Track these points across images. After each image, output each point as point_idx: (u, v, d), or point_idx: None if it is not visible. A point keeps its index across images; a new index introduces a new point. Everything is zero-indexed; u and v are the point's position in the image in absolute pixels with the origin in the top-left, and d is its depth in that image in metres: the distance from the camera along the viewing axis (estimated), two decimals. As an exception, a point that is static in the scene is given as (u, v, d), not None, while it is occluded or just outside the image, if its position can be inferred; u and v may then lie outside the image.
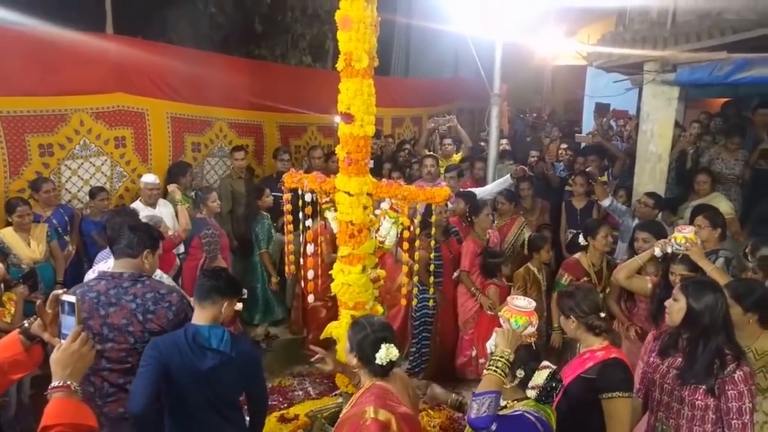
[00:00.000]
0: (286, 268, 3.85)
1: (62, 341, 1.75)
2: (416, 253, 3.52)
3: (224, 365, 2.50)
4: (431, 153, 6.68)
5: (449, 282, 4.93)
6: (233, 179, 5.99)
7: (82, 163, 5.21)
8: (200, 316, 2.55)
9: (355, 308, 3.33)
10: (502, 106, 7.79)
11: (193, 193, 5.65)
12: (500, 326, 2.35)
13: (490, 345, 2.31)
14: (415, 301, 4.51)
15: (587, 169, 6.17)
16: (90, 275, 3.22)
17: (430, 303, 4.62)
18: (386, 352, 2.30)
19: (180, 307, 2.68)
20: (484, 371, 2.22)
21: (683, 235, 3.20)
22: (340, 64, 3.00)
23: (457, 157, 6.90)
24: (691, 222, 4.04)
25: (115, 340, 2.57)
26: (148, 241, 2.78)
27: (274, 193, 5.34)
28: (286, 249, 3.84)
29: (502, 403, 2.28)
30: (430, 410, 4.46)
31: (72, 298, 1.79)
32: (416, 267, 3.59)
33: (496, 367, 2.17)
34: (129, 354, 2.58)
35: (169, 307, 2.65)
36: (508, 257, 5.21)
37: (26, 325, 1.85)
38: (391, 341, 2.35)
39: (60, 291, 1.85)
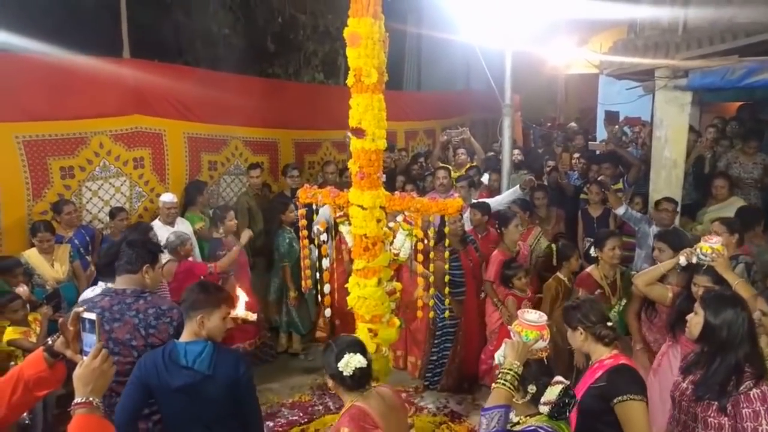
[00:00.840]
0: (303, 282, 3.88)
1: (84, 358, 1.80)
2: (431, 265, 3.54)
3: (201, 383, 2.45)
4: (444, 165, 6.70)
5: (472, 291, 4.91)
6: (249, 196, 6.07)
7: (102, 185, 5.33)
8: (185, 332, 2.57)
9: (372, 321, 3.35)
10: (515, 117, 7.81)
11: (210, 212, 5.75)
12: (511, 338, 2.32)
13: (498, 356, 2.28)
14: (432, 314, 4.50)
15: (600, 178, 6.13)
16: (89, 293, 3.29)
17: (446, 314, 4.61)
18: (347, 361, 2.27)
19: (181, 323, 2.70)
20: (493, 385, 2.18)
21: (710, 245, 3.07)
22: (350, 80, 3.06)
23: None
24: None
25: (121, 354, 2.64)
26: (146, 256, 2.86)
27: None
28: (302, 263, 3.87)
29: (515, 419, 2.25)
30: (450, 423, 4.44)
31: (93, 316, 1.83)
32: (431, 279, 3.61)
33: (505, 380, 2.12)
34: (133, 366, 2.63)
35: (170, 323, 2.72)
36: (527, 268, 5.16)
37: (50, 342, 1.89)
38: (357, 352, 2.31)
39: (81, 309, 1.89)
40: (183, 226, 5.20)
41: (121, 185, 5.48)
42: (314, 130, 7.48)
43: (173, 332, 2.70)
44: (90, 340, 1.83)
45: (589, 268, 4.29)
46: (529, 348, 2.22)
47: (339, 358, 2.31)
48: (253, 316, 3.66)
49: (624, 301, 4.11)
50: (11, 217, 4.75)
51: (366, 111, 3.04)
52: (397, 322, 3.54)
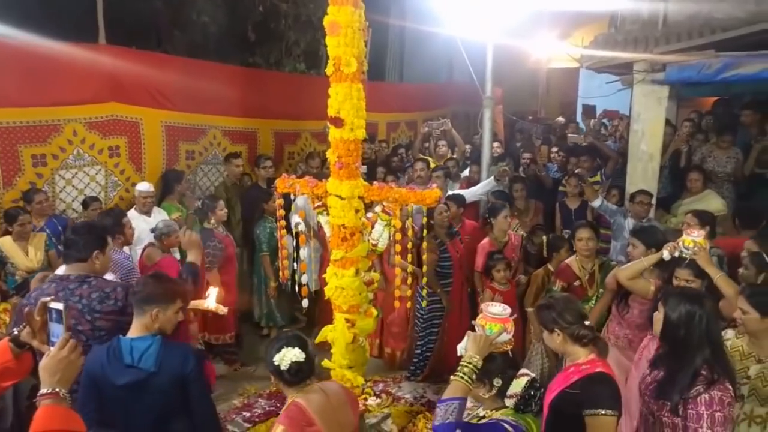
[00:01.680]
0: (280, 273, 3.86)
1: (51, 348, 1.76)
2: (423, 256, 3.54)
3: (146, 381, 2.41)
4: (424, 157, 6.71)
5: (459, 281, 4.93)
6: (227, 186, 6.00)
7: (76, 173, 5.22)
8: (133, 328, 2.51)
9: (349, 311, 3.35)
10: (496, 109, 7.83)
11: (188, 202, 5.68)
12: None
13: (460, 348, 2.26)
14: (425, 303, 4.51)
15: (577, 171, 6.20)
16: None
17: (424, 303, 4.65)
18: (283, 354, 2.24)
19: (126, 302, 2.68)
20: (451, 377, 2.16)
21: (692, 239, 3.09)
22: (329, 69, 3.03)
23: None
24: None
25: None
26: (94, 242, 2.83)
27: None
28: (279, 254, 3.85)
29: (481, 413, 2.25)
30: (427, 412, 4.46)
31: (60, 306, 1.80)
32: (424, 269, 3.61)
33: (463, 373, 2.11)
34: (84, 351, 2.59)
35: (115, 303, 2.70)
36: (508, 262, 5.17)
37: (15, 332, 1.86)
38: (295, 346, 2.27)
39: (48, 299, 1.86)
40: (159, 215, 5.13)
41: (96, 174, 5.37)
42: (294, 120, 7.42)
43: (119, 311, 2.68)
44: (57, 330, 1.81)
45: (569, 260, 4.31)
46: (492, 342, 2.20)
47: (276, 352, 2.27)
48: (223, 310, 3.63)
49: (602, 292, 4.11)
50: (-19, 205, 4.64)
51: (345, 100, 3.02)
52: (374, 312, 3.54)
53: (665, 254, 3.21)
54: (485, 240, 4.91)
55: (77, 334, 2.60)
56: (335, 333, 3.40)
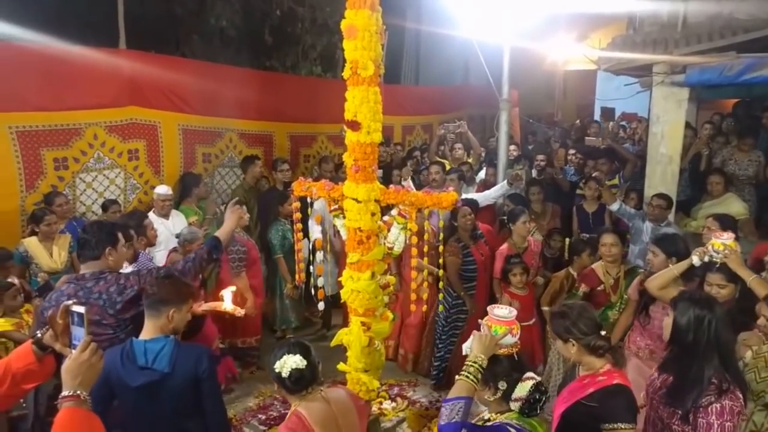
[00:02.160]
0: (296, 276, 3.87)
1: (73, 351, 1.79)
2: (440, 260, 3.52)
3: (159, 382, 2.44)
4: (440, 160, 6.69)
5: (483, 284, 4.87)
6: (245, 190, 6.04)
7: (96, 176, 5.30)
8: (146, 329, 2.55)
9: (365, 315, 3.35)
10: (513, 112, 7.79)
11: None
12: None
13: (466, 348, 2.25)
14: (442, 307, 4.48)
15: (595, 174, 6.12)
16: None
17: (467, 305, 4.63)
18: (284, 362, 2.23)
19: (141, 282, 2.78)
20: (457, 377, 2.15)
21: (722, 242, 2.99)
22: (346, 72, 3.04)
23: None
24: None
25: (95, 333, 2.65)
26: (106, 239, 2.89)
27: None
28: (296, 257, 3.86)
29: (486, 416, 2.24)
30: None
31: (81, 309, 1.82)
32: (441, 273, 3.59)
33: (468, 372, 2.10)
34: (112, 342, 2.67)
35: (132, 290, 2.78)
36: (525, 266, 5.10)
37: (38, 335, 1.88)
38: (296, 353, 2.25)
39: (70, 302, 1.88)
40: (178, 219, 5.18)
41: (116, 177, 5.45)
42: (310, 124, 7.45)
43: (137, 296, 2.74)
44: (79, 333, 1.82)
45: (594, 264, 4.23)
46: (497, 342, 2.19)
47: (277, 359, 2.26)
48: (240, 312, 3.64)
49: (626, 299, 4.01)
50: (4, 207, 4.72)
51: (362, 104, 3.03)
52: (390, 315, 3.53)
53: (695, 260, 3.09)
54: (504, 246, 4.85)
55: (104, 328, 2.68)
56: (351, 336, 3.40)
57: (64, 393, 1.69)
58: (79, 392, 1.69)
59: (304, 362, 2.23)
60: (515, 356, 2.25)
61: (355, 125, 3.07)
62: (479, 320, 2.36)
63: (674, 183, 5.36)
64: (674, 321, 2.37)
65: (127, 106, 5.43)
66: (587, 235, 5.72)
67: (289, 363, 2.22)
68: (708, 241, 4.03)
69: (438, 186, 5.64)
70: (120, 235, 3.01)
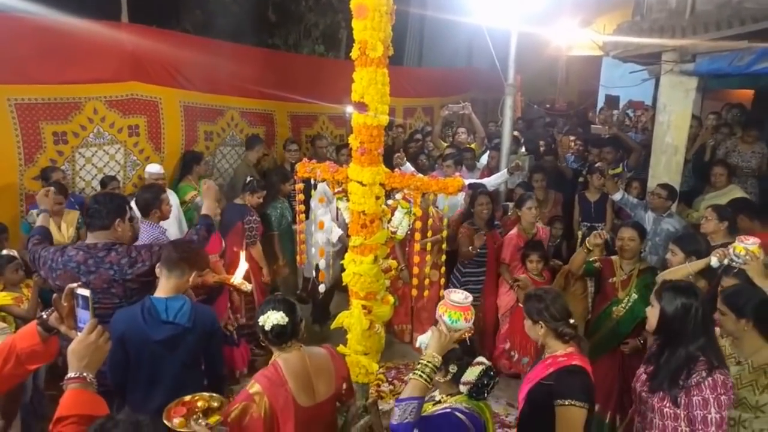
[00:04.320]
0: (298, 257, 3.85)
1: (78, 333, 1.79)
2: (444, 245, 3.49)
3: (181, 335, 2.68)
4: (443, 144, 6.64)
5: (492, 272, 4.90)
6: (248, 167, 5.99)
7: (96, 152, 5.24)
8: (163, 288, 2.74)
9: (366, 298, 3.34)
10: (516, 97, 7.72)
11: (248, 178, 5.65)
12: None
13: (421, 342, 2.30)
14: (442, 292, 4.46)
15: (597, 164, 6.09)
16: None
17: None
18: (266, 317, 2.36)
19: (154, 258, 2.93)
20: (410, 375, 2.18)
21: (744, 246, 2.89)
22: (354, 53, 2.98)
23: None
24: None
25: (101, 301, 2.84)
26: (115, 210, 3.03)
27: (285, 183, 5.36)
28: (297, 238, 3.85)
29: (437, 397, 2.30)
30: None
31: (86, 292, 1.83)
32: (443, 257, 3.58)
33: (423, 372, 2.14)
34: (112, 311, 2.80)
35: (143, 264, 2.94)
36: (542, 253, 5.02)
37: (44, 316, 1.87)
38: (279, 310, 2.37)
39: (75, 285, 1.88)
40: (171, 198, 5.12)
41: (116, 153, 5.39)
42: (311, 104, 7.38)
43: (148, 271, 2.91)
44: (84, 316, 1.83)
45: (614, 256, 4.06)
46: (453, 340, 2.23)
47: (262, 313, 2.40)
48: (248, 287, 3.67)
49: (634, 298, 3.79)
50: (3, 181, 4.68)
51: (369, 85, 2.97)
52: (391, 299, 3.52)
53: (713, 261, 3.03)
54: (513, 231, 4.85)
55: (111, 297, 2.86)
56: (352, 319, 3.39)
57: (70, 375, 1.70)
58: (84, 374, 1.70)
59: (286, 319, 2.36)
60: (467, 340, 2.31)
61: (362, 107, 3.02)
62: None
63: (678, 173, 5.34)
64: (661, 311, 2.38)
65: (129, 81, 5.37)
66: (587, 224, 5.74)
67: (272, 318, 2.35)
68: (707, 231, 4.07)
69: (450, 173, 5.60)
70: (128, 208, 3.13)
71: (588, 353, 3.67)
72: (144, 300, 2.70)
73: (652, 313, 2.44)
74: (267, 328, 2.36)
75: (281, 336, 2.38)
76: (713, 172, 5.35)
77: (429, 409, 2.31)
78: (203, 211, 3.62)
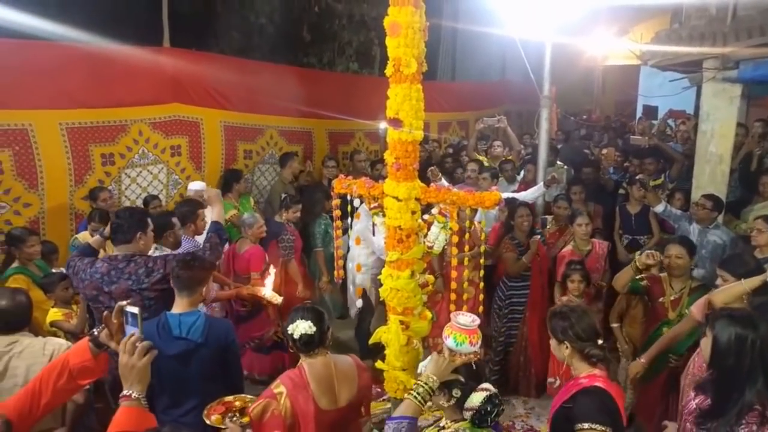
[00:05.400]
0: (336, 272, 3.89)
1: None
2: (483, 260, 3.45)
3: (194, 350, 2.74)
4: (478, 157, 6.61)
5: (537, 285, 4.77)
6: (285, 185, 6.10)
7: (140, 172, 5.44)
8: (178, 305, 2.84)
9: (404, 313, 3.33)
10: (552, 109, 7.64)
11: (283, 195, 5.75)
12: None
13: (421, 366, 2.31)
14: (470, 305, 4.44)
15: (638, 176, 5.93)
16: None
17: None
18: (294, 325, 2.45)
19: (168, 267, 3.07)
20: (405, 395, 2.16)
21: None
22: (389, 70, 3.01)
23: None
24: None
25: None
26: (136, 224, 3.22)
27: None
28: (335, 253, 3.88)
29: (442, 423, 2.26)
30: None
31: (135, 310, 1.89)
32: (481, 272, 3.55)
33: (417, 393, 2.12)
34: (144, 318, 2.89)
35: (158, 273, 3.10)
36: (584, 273, 4.67)
37: (95, 333, 1.94)
38: (307, 319, 2.44)
39: (124, 303, 1.95)
40: (208, 215, 5.25)
41: (159, 172, 5.58)
42: (347, 121, 7.48)
43: (162, 279, 3.05)
44: (133, 332, 1.87)
45: (663, 274, 3.83)
46: (453, 365, 2.21)
47: (291, 321, 2.47)
48: (278, 299, 3.74)
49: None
50: (54, 201, 4.89)
51: (404, 101, 3.00)
52: (428, 315, 3.51)
53: None
54: (566, 248, 4.74)
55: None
56: (389, 334, 3.39)
57: (122, 393, 1.79)
58: (130, 392, 1.77)
59: (314, 328, 2.44)
60: (473, 365, 2.26)
61: (397, 123, 3.05)
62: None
63: (724, 183, 5.16)
64: (714, 341, 2.19)
65: (171, 102, 5.56)
66: (629, 237, 5.59)
67: (300, 327, 2.43)
68: (759, 244, 3.91)
69: (472, 184, 5.58)
70: (149, 221, 3.31)
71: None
72: (161, 316, 2.81)
73: (704, 343, 2.27)
74: (296, 336, 2.44)
75: (309, 344, 2.47)
76: (762, 181, 5.15)
77: None
78: (213, 218, 3.76)
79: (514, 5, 6.08)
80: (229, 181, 5.74)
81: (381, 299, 3.46)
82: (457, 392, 2.18)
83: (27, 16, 4.77)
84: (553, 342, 2.40)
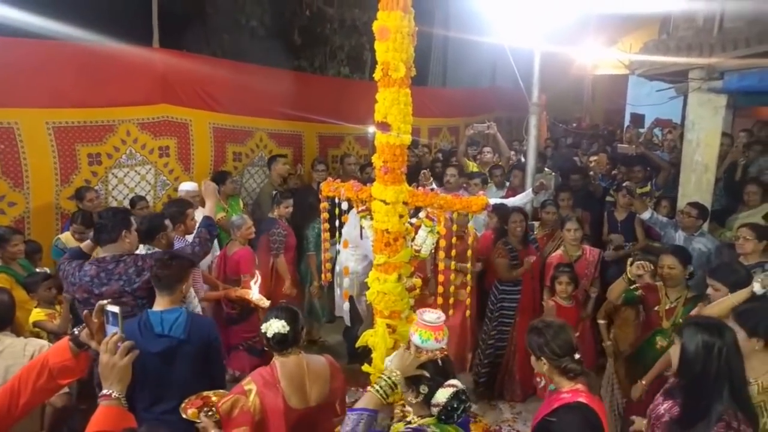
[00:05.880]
0: (323, 275, 3.88)
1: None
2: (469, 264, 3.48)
3: (177, 348, 2.76)
4: (457, 163, 6.64)
5: (529, 290, 4.79)
6: (274, 187, 6.08)
7: (128, 172, 5.40)
8: (158, 303, 2.88)
9: (391, 317, 3.33)
10: (541, 116, 7.70)
11: (241, 200, 5.77)
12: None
13: (387, 361, 2.31)
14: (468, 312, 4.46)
15: (625, 184, 5.99)
16: None
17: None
18: (268, 324, 2.46)
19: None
20: (368, 387, 2.19)
21: None
22: (377, 74, 3.03)
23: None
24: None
25: None
26: (120, 222, 3.21)
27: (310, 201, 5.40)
28: (323, 256, 3.88)
29: (409, 418, 2.28)
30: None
31: (116, 309, 1.87)
32: (468, 277, 3.55)
33: (379, 386, 2.14)
34: (128, 316, 2.87)
35: (149, 270, 3.08)
36: (573, 276, 4.69)
37: (75, 332, 1.92)
38: (281, 318, 2.46)
39: (105, 302, 1.92)
40: (198, 215, 5.22)
41: (147, 173, 5.54)
42: (338, 125, 7.49)
43: (149, 278, 3.04)
44: (114, 332, 1.86)
45: (659, 282, 3.81)
46: (418, 361, 2.22)
47: (266, 320, 2.49)
48: (265, 303, 3.72)
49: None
50: (40, 201, 4.84)
51: (392, 105, 3.01)
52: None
53: (756, 288, 2.86)
54: (556, 253, 4.75)
55: (122, 306, 2.84)
56: (376, 338, 3.39)
57: (102, 392, 1.77)
58: (110, 392, 1.75)
59: (287, 328, 2.46)
60: (439, 361, 2.28)
61: (385, 127, 3.06)
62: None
63: (709, 192, 5.22)
64: (682, 349, 2.21)
65: (160, 103, 5.53)
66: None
67: (274, 326, 2.45)
68: (745, 252, 3.95)
69: (452, 189, 5.59)
70: (132, 220, 3.30)
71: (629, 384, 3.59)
72: (142, 314, 2.82)
73: (673, 351, 2.29)
74: (269, 335, 2.46)
75: (282, 343, 2.49)
76: (746, 190, 5.22)
77: (400, 428, 2.30)
78: (205, 212, 3.76)
79: (505, 13, 6.13)
80: (215, 183, 5.69)
81: (368, 302, 3.47)
82: (424, 388, 2.19)
83: (14, 12, 4.74)
84: (532, 359, 2.43)
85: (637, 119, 9.44)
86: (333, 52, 9.12)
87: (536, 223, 5.56)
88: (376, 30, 2.96)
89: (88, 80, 5.02)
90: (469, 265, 3.67)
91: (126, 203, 5.37)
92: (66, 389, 2.97)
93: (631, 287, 3.70)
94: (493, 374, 4.88)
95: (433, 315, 2.33)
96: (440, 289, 3.45)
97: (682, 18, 5.83)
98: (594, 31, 10.20)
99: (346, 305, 3.81)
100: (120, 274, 3.10)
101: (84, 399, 3.18)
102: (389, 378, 2.17)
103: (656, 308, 3.69)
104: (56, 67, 4.82)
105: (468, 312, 3.60)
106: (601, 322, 4.25)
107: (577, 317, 4.42)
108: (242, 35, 8.18)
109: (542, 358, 2.33)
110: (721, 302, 3.01)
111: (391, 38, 2.92)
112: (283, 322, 2.46)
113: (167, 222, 3.94)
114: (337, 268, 5.02)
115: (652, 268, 3.60)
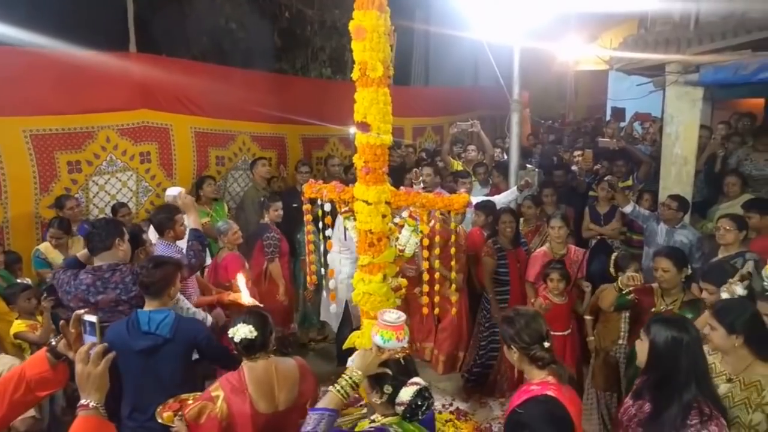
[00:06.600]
0: (308, 278, 3.86)
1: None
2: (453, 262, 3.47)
3: (162, 346, 2.81)
4: (452, 161, 6.64)
5: (517, 291, 4.78)
6: (258, 190, 6.05)
7: (108, 179, 5.34)
8: (148, 305, 2.95)
9: (377, 317, 3.32)
10: (524, 113, 7.74)
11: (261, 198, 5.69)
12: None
13: (350, 360, 2.31)
14: (453, 311, 4.46)
15: (607, 178, 6.03)
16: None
17: (493, 311, 4.65)
18: (236, 329, 2.49)
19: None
20: (330, 387, 2.19)
21: None
22: (355, 74, 3.02)
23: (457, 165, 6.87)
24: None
25: (109, 320, 2.99)
26: (113, 231, 3.24)
27: (294, 205, 5.36)
28: (307, 259, 3.86)
29: (373, 417, 2.29)
30: (456, 420, 4.41)
31: (93, 318, 1.84)
32: (454, 275, 3.55)
33: (340, 386, 2.16)
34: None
35: None
36: (564, 272, 4.64)
37: (53, 343, 1.89)
38: (249, 323, 2.49)
39: (82, 311, 1.89)
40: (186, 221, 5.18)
41: (128, 180, 5.48)
42: (321, 126, 7.47)
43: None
44: (91, 342, 1.83)
45: (655, 284, 3.70)
46: (379, 361, 2.23)
47: (233, 324, 2.51)
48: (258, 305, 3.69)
49: None
50: (18, 210, 4.78)
51: (371, 105, 3.00)
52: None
53: (738, 290, 2.88)
54: (540, 250, 4.74)
55: (119, 315, 3.04)
56: (363, 339, 3.38)
57: (80, 402, 1.74)
58: (88, 401, 1.72)
59: (255, 333, 2.48)
60: (401, 361, 2.29)
61: (365, 127, 3.05)
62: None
63: (689, 184, 5.29)
64: (651, 345, 2.25)
65: (139, 109, 5.48)
66: (597, 237, 5.68)
67: (241, 331, 2.47)
68: (726, 243, 4.00)
69: (430, 188, 5.59)
70: (125, 229, 3.33)
71: (626, 387, 3.59)
72: (131, 313, 2.89)
73: (641, 347, 2.32)
74: (236, 340, 2.48)
75: (249, 348, 2.51)
76: (726, 182, 5.29)
77: (364, 427, 2.30)
78: (190, 226, 3.79)
79: (484, 10, 6.15)
80: (196, 189, 5.66)
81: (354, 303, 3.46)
82: (388, 388, 2.21)
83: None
84: (504, 348, 2.43)
85: (618, 113, 9.51)
86: (314, 54, 9.08)
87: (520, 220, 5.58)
88: (352, 29, 2.95)
89: (64, 87, 4.96)
90: (453, 274, 3.70)
91: (107, 210, 5.32)
92: (31, 412, 2.92)
93: (624, 293, 3.64)
94: (485, 375, 4.89)
95: (393, 315, 2.32)
96: (425, 288, 3.45)
97: (660, 14, 5.91)
98: (575, 27, 10.27)
99: (333, 307, 3.79)
100: (116, 283, 3.12)
101: (71, 411, 3.14)
102: (350, 378, 2.18)
103: (652, 311, 3.59)
104: (32, 75, 4.76)
105: (454, 310, 3.59)
106: (587, 318, 4.27)
107: (568, 314, 4.41)
108: (222, 38, 8.12)
109: (512, 347, 2.34)
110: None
111: (368, 38, 2.91)
112: (250, 327, 2.47)
113: (145, 236, 3.92)
114: (322, 270, 5.00)
115: (642, 282, 3.57)
